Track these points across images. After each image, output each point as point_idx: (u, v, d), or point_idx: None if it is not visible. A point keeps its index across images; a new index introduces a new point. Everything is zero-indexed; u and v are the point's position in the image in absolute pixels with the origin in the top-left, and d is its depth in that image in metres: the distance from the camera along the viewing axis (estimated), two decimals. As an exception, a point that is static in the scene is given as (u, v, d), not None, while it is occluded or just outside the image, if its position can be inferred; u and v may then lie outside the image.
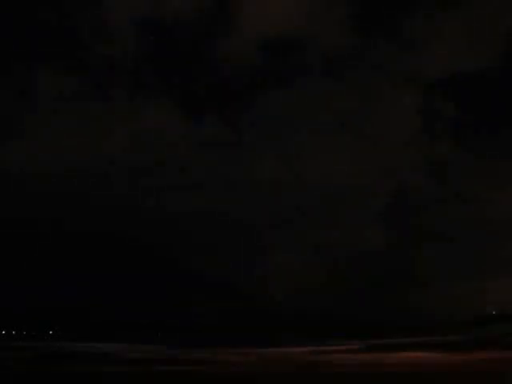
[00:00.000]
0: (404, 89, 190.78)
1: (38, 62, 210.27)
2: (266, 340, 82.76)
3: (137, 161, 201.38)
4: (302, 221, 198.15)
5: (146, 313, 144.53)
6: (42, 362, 39.77)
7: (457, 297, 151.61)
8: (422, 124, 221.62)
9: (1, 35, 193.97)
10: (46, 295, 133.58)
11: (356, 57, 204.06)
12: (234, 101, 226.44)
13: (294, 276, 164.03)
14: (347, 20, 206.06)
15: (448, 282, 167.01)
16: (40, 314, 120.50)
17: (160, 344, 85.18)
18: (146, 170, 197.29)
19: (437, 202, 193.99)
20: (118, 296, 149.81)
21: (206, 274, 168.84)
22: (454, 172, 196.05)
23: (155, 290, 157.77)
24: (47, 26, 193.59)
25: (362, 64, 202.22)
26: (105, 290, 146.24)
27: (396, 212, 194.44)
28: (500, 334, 61.49)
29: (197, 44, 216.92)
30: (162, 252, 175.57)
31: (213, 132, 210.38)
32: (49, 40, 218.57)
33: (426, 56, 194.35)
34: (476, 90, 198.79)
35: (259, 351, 52.83)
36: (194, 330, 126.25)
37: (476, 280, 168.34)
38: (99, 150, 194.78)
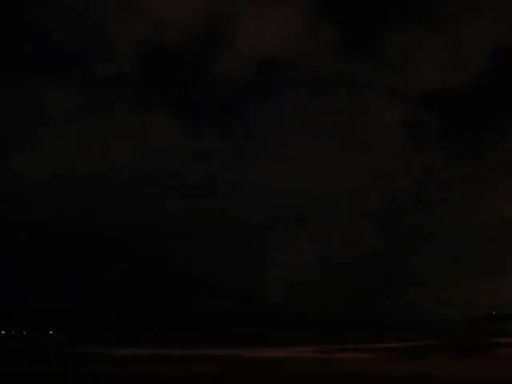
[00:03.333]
0: (390, 103, 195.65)
1: (48, 79, 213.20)
2: (265, 340, 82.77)
3: (139, 169, 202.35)
4: (300, 223, 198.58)
5: (146, 313, 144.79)
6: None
7: (456, 297, 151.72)
8: (409, 134, 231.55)
9: (14, 54, 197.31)
10: (45, 295, 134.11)
11: (345, 74, 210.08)
12: (232, 112, 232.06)
13: (293, 276, 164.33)
14: (336, 41, 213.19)
15: (447, 282, 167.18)
16: (40, 314, 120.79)
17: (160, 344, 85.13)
18: (148, 177, 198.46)
19: (432, 206, 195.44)
20: (118, 297, 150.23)
21: (206, 274, 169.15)
22: (440, 177, 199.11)
23: (155, 291, 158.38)
24: (53, 43, 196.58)
25: (350, 81, 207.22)
26: (105, 291, 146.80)
27: (392, 215, 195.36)
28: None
29: (195, 61, 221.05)
30: (162, 254, 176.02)
31: (212, 140, 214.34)
32: (57, 58, 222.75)
33: (410, 73, 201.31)
34: (457, 103, 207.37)
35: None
36: (193, 329, 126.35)
37: (476, 280, 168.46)
38: (104, 159, 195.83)
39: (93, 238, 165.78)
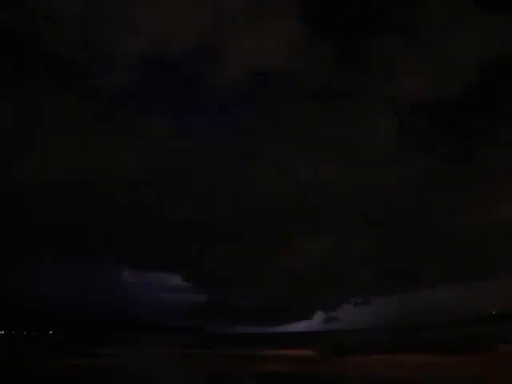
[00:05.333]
0: (384, 110, 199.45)
1: (53, 88, 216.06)
2: (265, 339, 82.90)
3: (140, 173, 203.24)
4: (300, 225, 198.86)
5: (147, 313, 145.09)
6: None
7: (456, 297, 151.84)
8: (400, 140, 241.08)
9: (16, 63, 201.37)
10: (45, 295, 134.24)
11: (340, 83, 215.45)
12: (232, 117, 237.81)
13: (293, 277, 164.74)
14: (331, 53, 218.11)
15: (448, 282, 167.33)
16: (40, 314, 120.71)
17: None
18: (148, 180, 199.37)
19: (431, 207, 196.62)
20: (119, 297, 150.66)
21: (208, 276, 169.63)
22: (439, 179, 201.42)
23: (156, 291, 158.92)
24: (54, 52, 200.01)
25: (345, 90, 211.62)
26: (106, 292, 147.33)
27: (392, 216, 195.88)
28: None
29: (196, 70, 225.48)
30: (162, 255, 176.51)
31: (212, 144, 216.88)
32: (59, 68, 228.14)
33: (402, 84, 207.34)
34: (448, 110, 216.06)
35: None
36: (193, 329, 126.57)
37: (476, 280, 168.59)
38: (105, 163, 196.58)
39: (92, 239, 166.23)
